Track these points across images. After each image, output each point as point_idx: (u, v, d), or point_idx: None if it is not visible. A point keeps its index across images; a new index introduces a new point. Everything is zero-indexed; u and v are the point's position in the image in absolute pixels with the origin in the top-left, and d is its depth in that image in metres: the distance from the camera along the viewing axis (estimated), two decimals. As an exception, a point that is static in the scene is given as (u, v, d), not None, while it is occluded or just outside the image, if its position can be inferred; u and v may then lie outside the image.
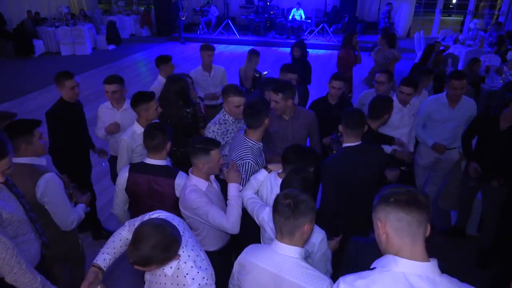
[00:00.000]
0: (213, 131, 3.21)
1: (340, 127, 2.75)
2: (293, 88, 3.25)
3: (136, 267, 1.64)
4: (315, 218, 1.75)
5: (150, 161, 2.56)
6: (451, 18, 18.12)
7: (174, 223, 1.78)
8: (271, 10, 14.23)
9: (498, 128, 3.41)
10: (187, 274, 1.74)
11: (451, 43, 9.71)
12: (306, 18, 14.02)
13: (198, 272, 1.75)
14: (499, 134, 3.41)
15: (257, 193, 2.59)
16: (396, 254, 1.36)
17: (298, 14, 13.86)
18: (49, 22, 13.23)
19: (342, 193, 2.68)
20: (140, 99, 3.07)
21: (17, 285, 1.97)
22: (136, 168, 2.59)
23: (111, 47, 13.23)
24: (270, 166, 2.59)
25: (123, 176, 2.58)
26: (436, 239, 4.09)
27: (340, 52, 6.13)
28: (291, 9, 14.11)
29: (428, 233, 1.36)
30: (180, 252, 1.75)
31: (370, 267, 1.40)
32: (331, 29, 13.59)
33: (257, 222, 2.35)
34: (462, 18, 15.14)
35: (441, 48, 6.42)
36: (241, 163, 2.68)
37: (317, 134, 3.49)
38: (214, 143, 2.42)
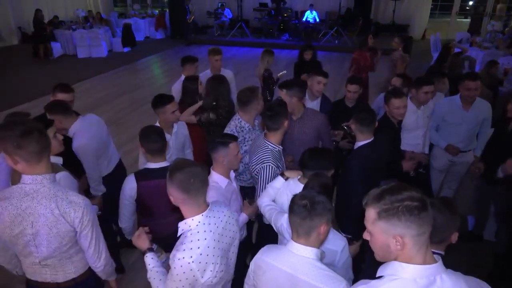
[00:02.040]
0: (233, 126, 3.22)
1: (353, 126, 2.78)
2: (300, 86, 3.23)
3: None
4: (331, 220, 1.74)
5: (155, 165, 2.57)
6: (468, 20, 17.85)
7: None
8: (284, 13, 14.23)
9: (508, 128, 3.34)
10: (184, 243, 1.78)
11: (467, 45, 9.56)
12: (320, 20, 13.97)
13: (191, 249, 1.76)
14: (508, 134, 3.32)
15: (274, 201, 2.57)
16: (409, 262, 1.32)
17: (311, 16, 13.82)
18: (66, 25, 13.48)
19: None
20: (157, 102, 3.13)
21: None
22: (143, 176, 2.57)
23: (126, 49, 13.41)
24: (286, 173, 2.58)
25: (131, 187, 2.56)
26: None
27: (354, 53, 6.11)
28: (304, 11, 14.09)
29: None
30: (195, 223, 1.83)
31: (377, 276, 1.38)
32: (345, 31, 13.52)
33: (275, 229, 2.34)
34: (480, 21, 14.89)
35: (457, 50, 6.33)
36: (262, 167, 2.67)
37: (328, 135, 3.47)
38: (232, 137, 2.50)
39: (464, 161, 3.93)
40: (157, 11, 16.80)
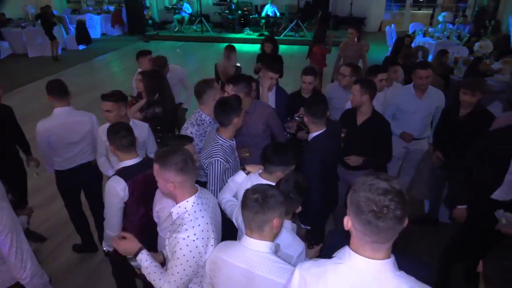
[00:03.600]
0: (191, 133, 3.14)
1: (306, 119, 2.80)
2: (247, 82, 3.20)
3: None
4: (284, 213, 1.74)
5: (131, 161, 2.51)
6: (421, 11, 18.54)
7: None
8: (244, 7, 14.17)
9: (459, 115, 3.49)
10: (184, 224, 1.86)
11: (421, 36, 9.93)
12: (280, 14, 14.04)
13: (193, 227, 1.85)
14: (459, 121, 3.48)
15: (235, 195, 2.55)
16: (356, 251, 1.28)
17: (271, 10, 13.85)
18: (14, 22, 12.73)
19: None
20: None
21: None
22: (128, 174, 2.46)
23: (81, 47, 12.87)
24: (248, 167, 2.56)
25: (122, 188, 2.42)
26: (410, 227, 4.18)
27: (314, 48, 6.20)
28: (264, 5, 14.08)
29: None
30: (190, 205, 1.92)
31: (332, 256, 1.37)
32: (305, 25, 13.66)
33: (236, 225, 2.32)
34: (431, 12, 15.51)
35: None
36: (210, 161, 2.64)
37: (279, 127, 3.48)
38: (188, 139, 2.44)
39: (419, 148, 4.07)
40: (113, 7, 16.21)
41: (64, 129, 3.27)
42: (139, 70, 4.56)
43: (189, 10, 14.93)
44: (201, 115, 3.17)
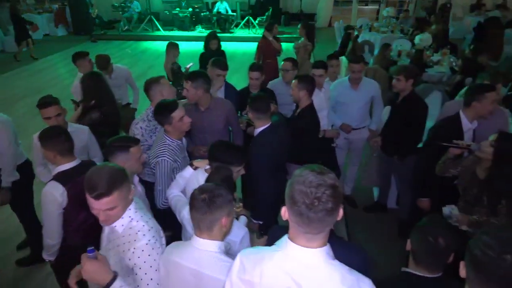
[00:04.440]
0: (141, 128, 3.13)
1: (250, 115, 2.84)
2: (206, 78, 3.22)
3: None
4: (233, 211, 1.76)
5: (69, 165, 2.41)
6: (368, 7, 19.22)
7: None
8: (195, 4, 14.00)
9: (397, 101, 3.69)
10: (138, 231, 1.82)
11: (367, 30, 10.30)
12: (232, 11, 14.01)
13: (149, 230, 1.83)
14: (395, 107, 3.69)
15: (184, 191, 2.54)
16: (292, 240, 1.31)
17: (223, 7, 13.79)
18: None
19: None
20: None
21: None
22: (65, 178, 2.36)
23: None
24: (195, 163, 2.56)
25: (60, 193, 2.31)
26: (360, 214, 4.36)
27: (259, 41, 6.28)
28: (215, 2, 13.99)
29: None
30: (133, 211, 1.87)
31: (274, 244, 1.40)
32: (256, 22, 13.74)
33: (179, 220, 2.32)
34: (377, 7, 16.12)
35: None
36: (156, 161, 2.62)
37: (236, 123, 3.55)
38: (133, 140, 2.36)
39: (360, 138, 4.26)
40: (56, 5, 15.39)
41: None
42: (79, 74, 4.31)
43: (138, 9, 14.50)
44: (152, 110, 3.14)
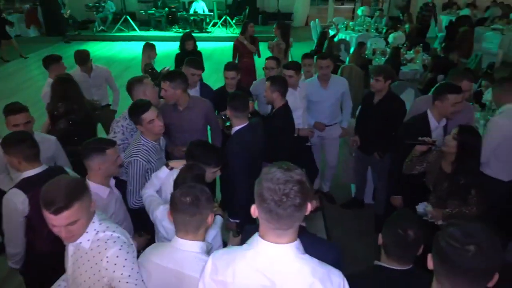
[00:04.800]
0: (122, 126, 3.10)
1: (229, 113, 2.84)
2: (184, 77, 3.22)
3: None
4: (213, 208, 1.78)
5: (34, 171, 2.33)
6: (344, 6, 19.48)
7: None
8: (171, 4, 13.85)
9: (373, 101, 3.76)
10: (108, 239, 1.73)
11: (343, 29, 10.44)
12: (209, 10, 13.92)
13: (118, 237, 1.75)
14: (374, 107, 3.76)
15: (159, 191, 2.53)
16: (263, 237, 1.33)
17: (200, 7, 13.69)
18: None
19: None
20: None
21: None
22: (29, 185, 2.26)
23: None
24: (171, 163, 2.55)
25: (21, 201, 2.22)
26: (338, 211, 4.43)
27: (235, 41, 6.31)
28: (192, 2, 13.87)
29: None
30: (97, 224, 1.77)
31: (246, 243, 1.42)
32: (233, 21, 13.71)
33: (151, 220, 2.31)
34: (353, 6, 16.36)
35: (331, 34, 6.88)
36: (129, 161, 2.62)
37: (215, 122, 3.58)
38: (110, 142, 2.33)
39: (332, 134, 4.32)
40: (27, 5, 14.93)
41: None
42: (49, 79, 4.11)
43: (113, 9, 14.23)
44: None
